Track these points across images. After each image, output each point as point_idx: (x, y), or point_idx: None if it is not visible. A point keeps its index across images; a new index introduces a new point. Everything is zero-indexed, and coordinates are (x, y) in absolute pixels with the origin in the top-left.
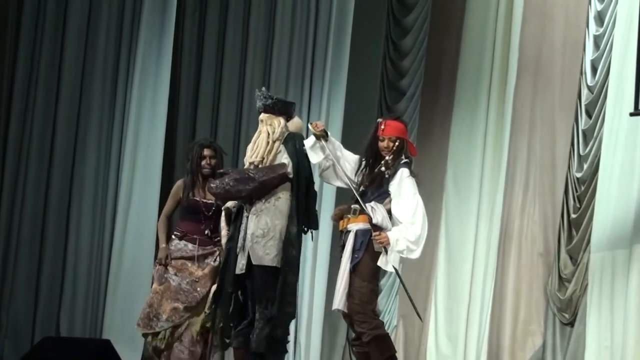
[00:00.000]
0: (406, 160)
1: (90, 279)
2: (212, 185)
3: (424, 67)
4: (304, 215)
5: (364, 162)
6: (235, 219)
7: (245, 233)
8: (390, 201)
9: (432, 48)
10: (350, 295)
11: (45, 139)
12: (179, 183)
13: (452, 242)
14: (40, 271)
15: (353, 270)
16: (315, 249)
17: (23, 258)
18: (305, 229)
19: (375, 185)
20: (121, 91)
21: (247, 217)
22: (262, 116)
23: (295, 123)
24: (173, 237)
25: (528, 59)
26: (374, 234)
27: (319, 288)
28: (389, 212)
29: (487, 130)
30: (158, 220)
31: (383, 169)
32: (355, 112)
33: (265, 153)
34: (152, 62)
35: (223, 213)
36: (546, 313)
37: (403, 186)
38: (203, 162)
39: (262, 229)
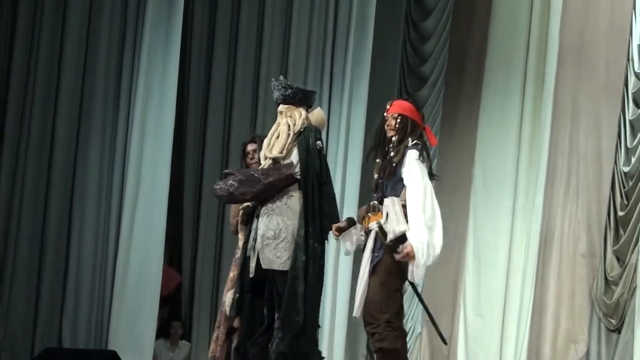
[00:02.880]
0: (416, 141)
1: (95, 284)
2: (215, 187)
3: (447, 50)
4: (317, 215)
5: (373, 149)
6: (250, 219)
7: (256, 234)
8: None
9: (456, 30)
10: (367, 300)
11: (44, 136)
12: None
13: (483, 242)
14: (40, 276)
15: (373, 272)
16: (337, 253)
17: (22, 262)
18: (322, 233)
19: (386, 176)
20: (125, 87)
21: (258, 216)
22: (281, 107)
23: (316, 114)
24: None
25: (569, 44)
26: (397, 257)
27: (342, 295)
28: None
29: (523, 121)
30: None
31: (392, 153)
32: (374, 100)
33: (286, 147)
34: (159, 58)
35: (240, 212)
36: (590, 319)
37: (411, 173)
38: (248, 159)
39: (273, 230)
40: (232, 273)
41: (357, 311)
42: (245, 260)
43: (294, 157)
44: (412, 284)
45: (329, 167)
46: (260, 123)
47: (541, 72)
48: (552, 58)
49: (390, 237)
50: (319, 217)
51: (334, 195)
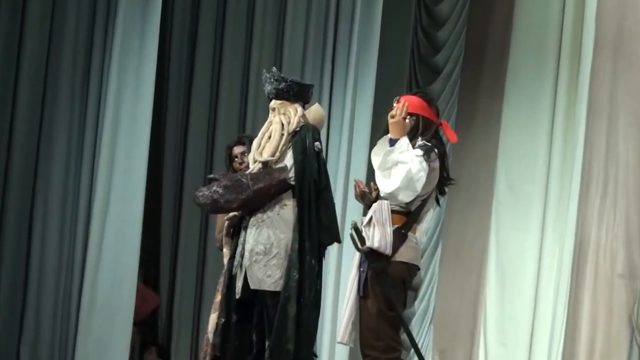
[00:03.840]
0: (424, 142)
1: (58, 306)
2: (197, 194)
3: (464, 38)
4: (314, 228)
5: None
6: (236, 232)
7: (243, 249)
8: None
9: (475, 14)
10: (360, 327)
11: (1, 132)
12: None
13: (506, 259)
14: None
15: (362, 294)
16: (339, 267)
17: None
18: (320, 248)
19: None
20: (95, 80)
21: (246, 228)
22: (274, 103)
23: (315, 111)
24: None
25: (606, 33)
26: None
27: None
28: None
29: (555, 120)
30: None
31: None
32: (381, 94)
33: (279, 149)
34: (134, 47)
35: (225, 224)
36: (630, 349)
37: None
38: (235, 164)
39: (264, 244)
40: (219, 295)
41: (342, 336)
42: (231, 278)
43: (288, 160)
44: (397, 313)
45: (328, 173)
46: (250, 121)
47: (575, 66)
48: (587, 50)
49: (367, 244)
50: (316, 229)
51: (333, 204)
